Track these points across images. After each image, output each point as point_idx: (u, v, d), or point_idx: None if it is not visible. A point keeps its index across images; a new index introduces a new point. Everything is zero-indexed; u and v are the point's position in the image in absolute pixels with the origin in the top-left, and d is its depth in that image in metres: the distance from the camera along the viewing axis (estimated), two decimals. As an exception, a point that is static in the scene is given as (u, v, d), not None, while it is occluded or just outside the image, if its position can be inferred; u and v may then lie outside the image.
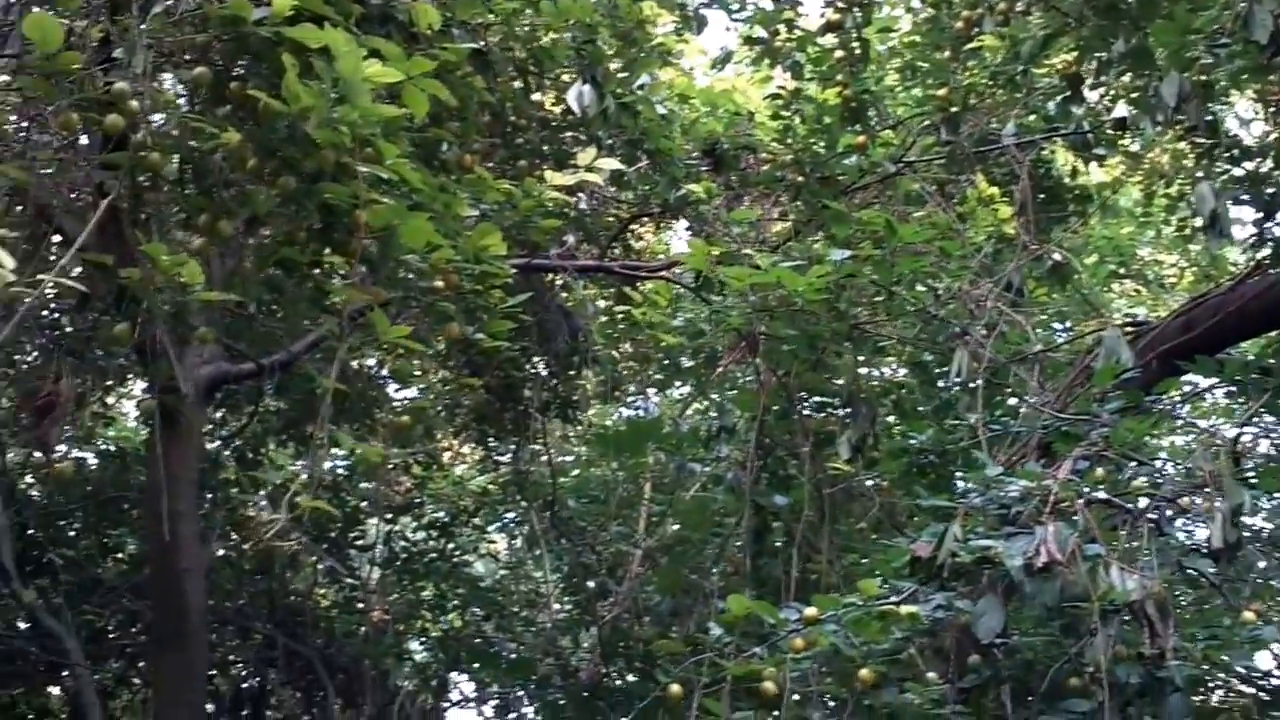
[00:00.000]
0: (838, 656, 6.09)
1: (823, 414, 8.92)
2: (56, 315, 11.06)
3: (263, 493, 11.27)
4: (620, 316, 10.96)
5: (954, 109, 9.13)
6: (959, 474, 8.48)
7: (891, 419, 9.82)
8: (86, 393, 10.00)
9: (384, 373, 11.68)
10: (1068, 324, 10.83)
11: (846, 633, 5.82)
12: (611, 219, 10.06)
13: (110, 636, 12.12)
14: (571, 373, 10.67)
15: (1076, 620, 5.97)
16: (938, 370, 9.50)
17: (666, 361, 12.24)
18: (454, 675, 13.31)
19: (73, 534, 12.06)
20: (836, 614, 5.86)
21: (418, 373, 11.81)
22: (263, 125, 5.17)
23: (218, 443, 11.56)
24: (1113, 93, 9.38)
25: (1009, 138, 9.35)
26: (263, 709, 12.56)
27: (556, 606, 12.92)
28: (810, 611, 5.91)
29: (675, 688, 6.11)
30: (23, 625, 11.82)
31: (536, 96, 8.55)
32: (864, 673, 5.82)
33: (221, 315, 8.13)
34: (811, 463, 8.23)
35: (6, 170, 5.26)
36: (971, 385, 7.76)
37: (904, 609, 5.77)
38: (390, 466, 12.07)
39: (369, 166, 5.04)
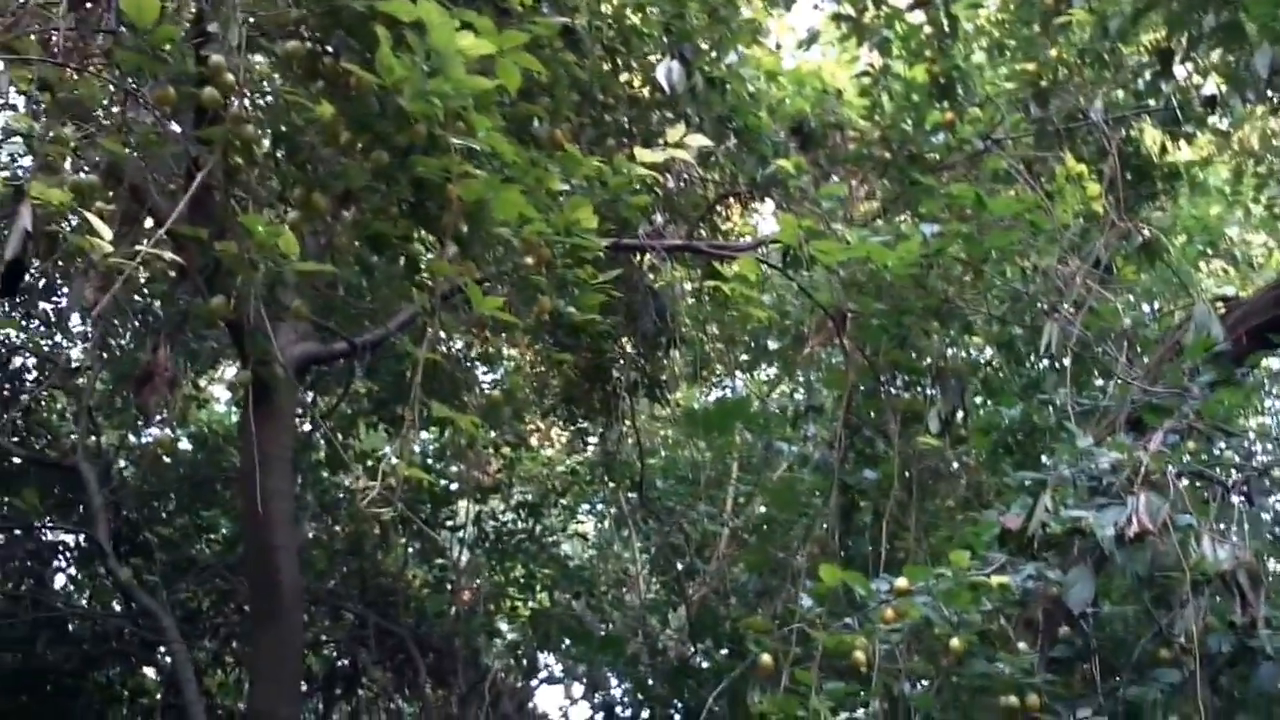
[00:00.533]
0: (928, 627, 6.11)
1: (910, 392, 8.90)
2: (149, 300, 11.28)
3: (354, 473, 11.40)
4: (708, 296, 10.97)
5: (1043, 84, 9.06)
6: (1046, 451, 8.43)
7: (979, 399, 9.79)
8: (179, 375, 10.16)
9: (472, 355, 11.83)
10: (1156, 303, 10.73)
11: (937, 603, 5.84)
12: (699, 198, 10.07)
13: (205, 615, 12.32)
14: (659, 353, 10.69)
15: (1167, 591, 5.95)
16: (1025, 349, 9.45)
17: (754, 343, 12.26)
18: (542, 655, 13.41)
19: (166, 515, 12.27)
20: (927, 585, 5.87)
21: (507, 352, 11.91)
22: (356, 99, 5.25)
23: (308, 426, 11.71)
24: (1203, 69, 9.28)
25: (1097, 115, 9.30)
26: (355, 688, 12.70)
27: (644, 586, 12.97)
28: (901, 583, 5.93)
29: (766, 658, 6.15)
30: (118, 606, 12.08)
31: (624, 76, 8.59)
32: (954, 643, 5.84)
33: (313, 294, 8.23)
34: (899, 440, 8.21)
35: (104, 145, 5.36)
36: (1060, 362, 7.73)
37: (995, 580, 5.78)
38: (480, 448, 12.17)
39: (461, 139, 5.09)
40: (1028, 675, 6.00)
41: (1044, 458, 7.72)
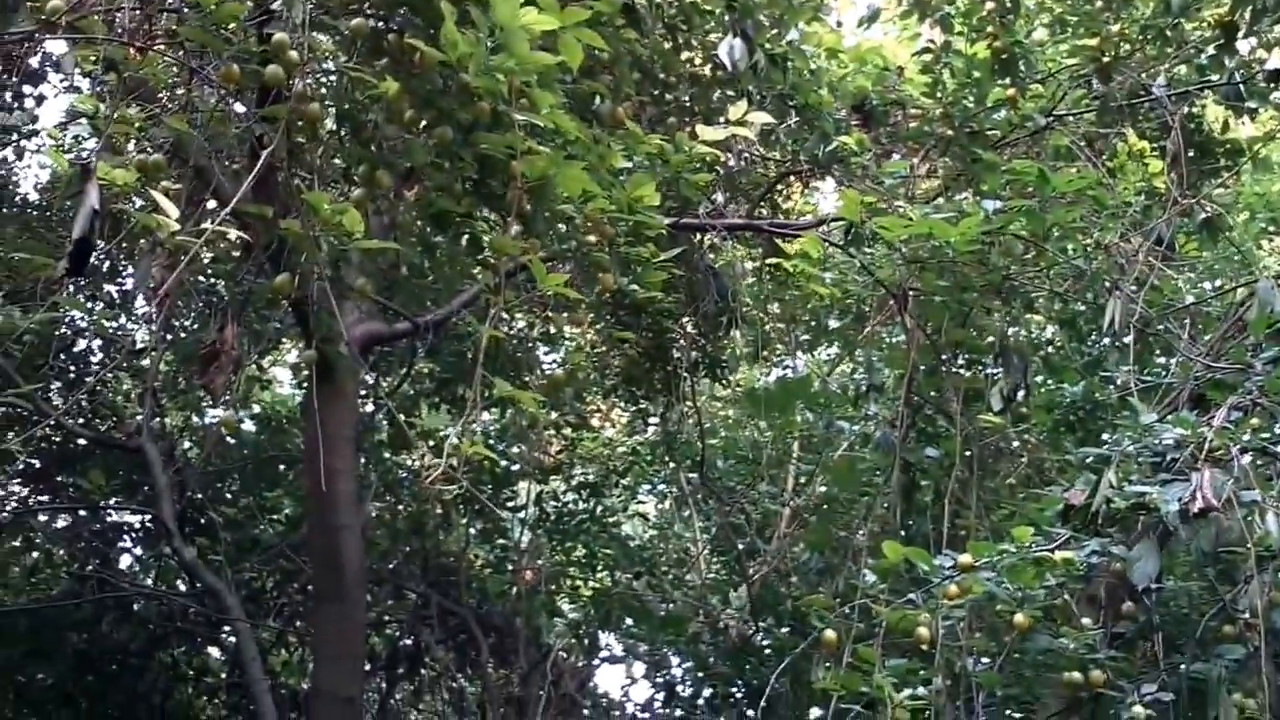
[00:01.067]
0: (991, 604, 6.09)
1: (972, 371, 8.87)
2: (213, 281, 11.39)
3: (418, 452, 11.48)
4: (769, 275, 10.96)
5: (1105, 59, 8.98)
6: (1108, 429, 8.38)
7: (1040, 378, 9.75)
8: (243, 355, 10.26)
9: (534, 335, 11.86)
10: (1218, 280, 10.63)
11: (1001, 579, 5.81)
12: (760, 177, 10.06)
13: (268, 595, 12.44)
14: (720, 333, 10.68)
15: (1231, 567, 5.90)
16: (1087, 327, 9.40)
17: (814, 323, 12.24)
18: (603, 635, 13.45)
19: (230, 495, 12.39)
20: (991, 561, 5.85)
21: (568, 332, 11.93)
22: (420, 76, 5.27)
23: (370, 406, 11.78)
24: (1266, 43, 9.18)
25: (1160, 90, 9.21)
26: (418, 667, 12.80)
27: (705, 566, 12.99)
28: (964, 559, 5.91)
29: (830, 634, 6.14)
30: (183, 586, 12.22)
31: (685, 54, 8.58)
32: (1019, 618, 5.81)
33: (377, 273, 8.27)
34: (961, 418, 8.18)
35: (170, 124, 5.41)
36: (1123, 340, 7.67)
37: (1059, 555, 5.75)
38: (541, 428, 12.22)
39: (525, 116, 5.11)
40: (1092, 651, 5.97)
41: (1105, 435, 7.69)
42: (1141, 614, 6.23)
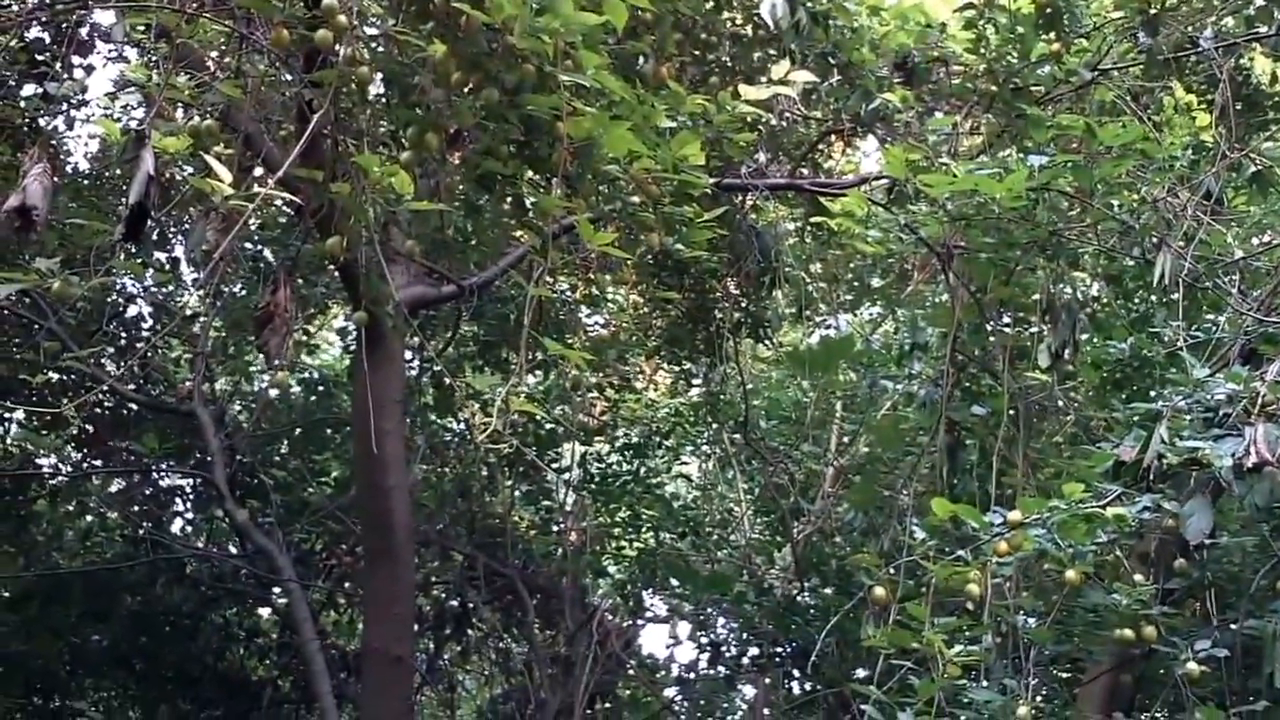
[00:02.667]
0: (1040, 561, 6.10)
1: (1018, 328, 8.85)
2: (260, 247, 11.46)
3: (467, 412, 11.54)
4: (811, 235, 10.95)
5: (1152, 12, 8.90)
6: (1157, 385, 8.36)
7: (1086, 335, 9.70)
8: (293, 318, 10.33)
9: (577, 297, 11.89)
10: (1267, 235, 10.55)
11: (1052, 535, 5.81)
12: (802, 136, 10.03)
13: (318, 557, 12.56)
14: (762, 293, 10.69)
15: (1286, 521, 5.91)
16: (1134, 283, 9.35)
17: (857, 282, 12.22)
18: (648, 597, 13.51)
19: (280, 458, 12.50)
20: (1042, 517, 5.85)
21: (611, 292, 11.96)
22: (466, 38, 5.29)
23: (415, 370, 11.84)
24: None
25: (1207, 43, 9.12)
26: (465, 628, 12.90)
27: (749, 526, 13.03)
28: (1014, 515, 5.91)
29: (879, 590, 6.18)
30: (233, 549, 12.35)
31: (726, 14, 8.55)
32: (1070, 574, 5.81)
33: (425, 236, 8.31)
34: (1007, 375, 8.16)
35: (221, 89, 5.45)
36: (1171, 295, 7.64)
37: (1110, 511, 5.74)
38: (585, 389, 12.26)
39: (570, 76, 5.13)
40: (1144, 608, 5.97)
41: (1154, 392, 7.67)
42: (1194, 570, 6.25)
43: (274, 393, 12.23)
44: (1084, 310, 9.61)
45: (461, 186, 7.38)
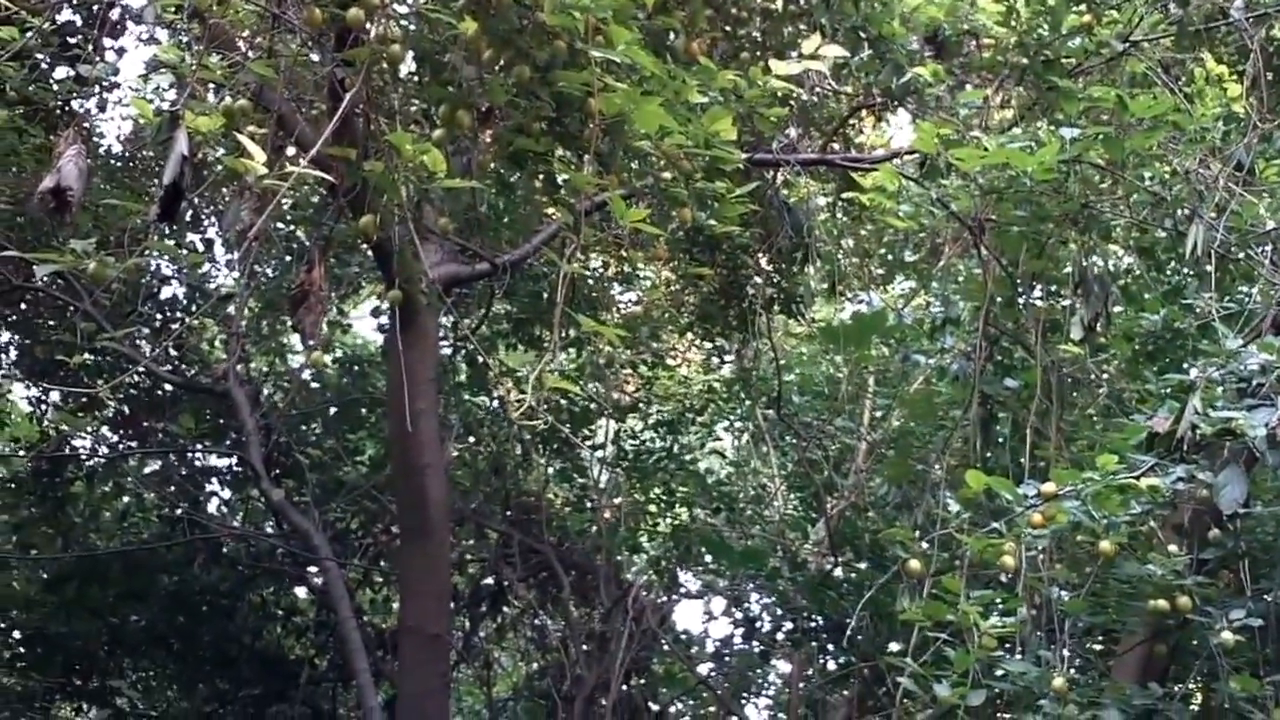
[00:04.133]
0: (1074, 533, 6.10)
1: (1049, 301, 8.83)
2: (293, 228, 11.51)
3: (502, 388, 11.57)
4: (843, 210, 10.93)
5: (1184, -20, 8.84)
6: (1189, 356, 8.33)
7: (1119, 308, 9.67)
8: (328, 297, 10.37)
9: (609, 274, 11.91)
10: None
11: (1086, 506, 5.81)
12: (833, 111, 10.01)
13: (353, 536, 12.63)
14: (794, 268, 10.68)
15: (1321, 492, 5.90)
16: (1165, 256, 9.31)
17: (889, 256, 12.20)
18: (681, 574, 13.55)
19: (315, 438, 12.56)
20: (1076, 488, 5.85)
21: (643, 269, 11.97)
22: (497, 15, 5.30)
23: (448, 349, 11.88)
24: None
25: (1239, 13, 9.06)
26: (501, 605, 12.96)
27: (783, 502, 13.04)
28: (1048, 487, 5.92)
29: (914, 562, 6.19)
30: (269, 529, 12.44)
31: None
32: (1104, 545, 5.82)
33: (458, 213, 8.33)
34: (1040, 348, 8.15)
35: (253, 69, 5.48)
36: (1204, 267, 7.61)
37: (1144, 482, 5.74)
38: (618, 366, 12.29)
39: (601, 51, 5.13)
40: (1179, 578, 5.97)
41: (1186, 364, 7.65)
42: (1228, 540, 6.24)
43: (309, 371, 12.30)
44: (1116, 283, 9.61)
45: (494, 165, 7.41)
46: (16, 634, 12.58)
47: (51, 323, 11.05)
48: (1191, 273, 9.01)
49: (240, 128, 5.20)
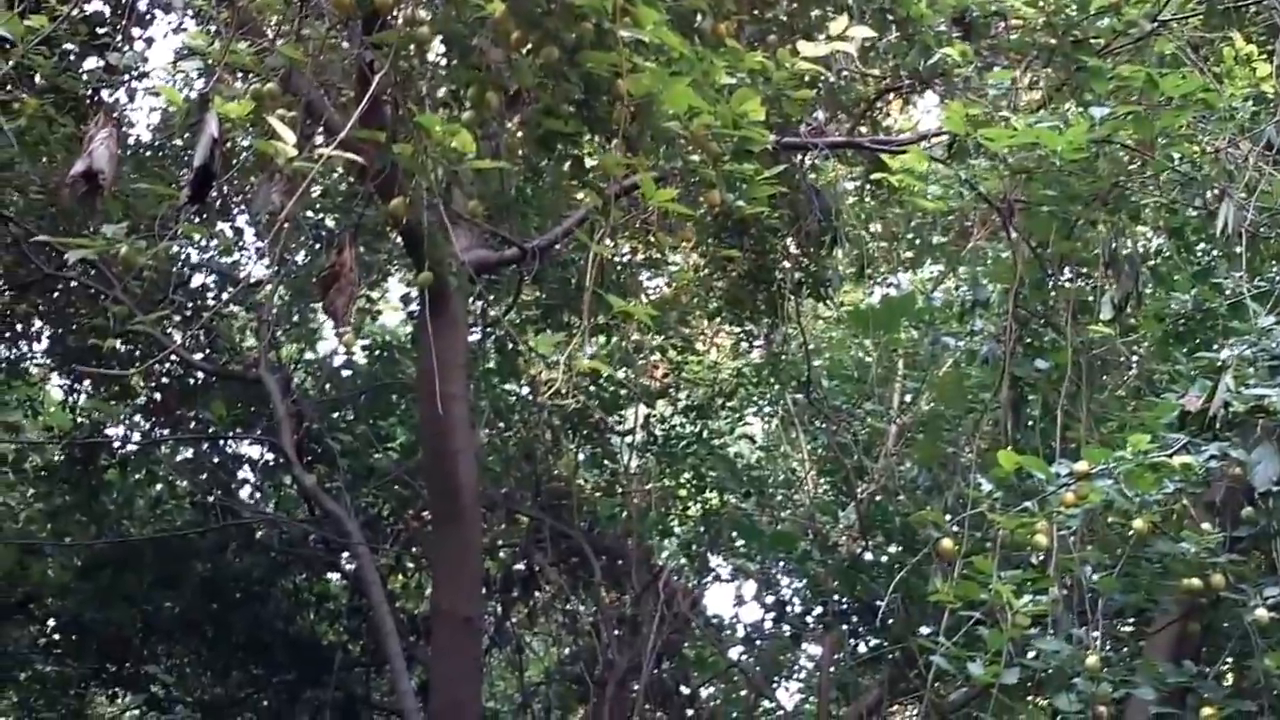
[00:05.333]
0: (1106, 514, 6.09)
1: (1079, 283, 8.80)
2: (322, 216, 11.55)
3: (534, 369, 11.62)
4: (870, 193, 10.92)
5: (1212, -41, 8.79)
6: (1220, 336, 8.30)
7: (1149, 288, 9.64)
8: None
9: (638, 260, 11.91)
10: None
11: (1119, 485, 5.80)
12: (860, 94, 9.99)
13: (385, 522, 12.68)
14: (823, 252, 10.68)
15: (1355, 469, 5.85)
16: (1194, 236, 9.27)
17: (917, 240, 12.18)
18: (712, 559, 13.56)
19: (346, 424, 12.61)
20: (1108, 467, 5.84)
21: (671, 256, 11.96)
22: (525, -4, 5.31)
23: (477, 335, 11.91)
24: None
25: (1269, -12, 9.01)
26: (532, 590, 13.00)
27: (813, 486, 13.04)
28: (1081, 466, 5.91)
29: (947, 542, 6.19)
30: (301, 516, 12.50)
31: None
32: (1138, 523, 5.81)
33: (488, 195, 8.35)
34: (1070, 328, 8.13)
35: (282, 53, 5.50)
36: (1234, 246, 7.58)
37: (1177, 460, 5.73)
38: (647, 352, 12.30)
39: (630, 31, 5.13)
40: (1212, 556, 5.96)
41: (1217, 344, 7.62)
42: (1261, 518, 6.21)
43: (340, 357, 12.35)
44: (1145, 263, 9.57)
45: (522, 150, 7.42)
46: (51, 621, 12.67)
47: (83, 312, 11.12)
48: (1221, 252, 8.96)
49: (269, 111, 5.22)
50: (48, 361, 11.98)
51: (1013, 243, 8.20)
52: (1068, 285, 8.49)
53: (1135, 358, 9.41)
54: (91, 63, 9.17)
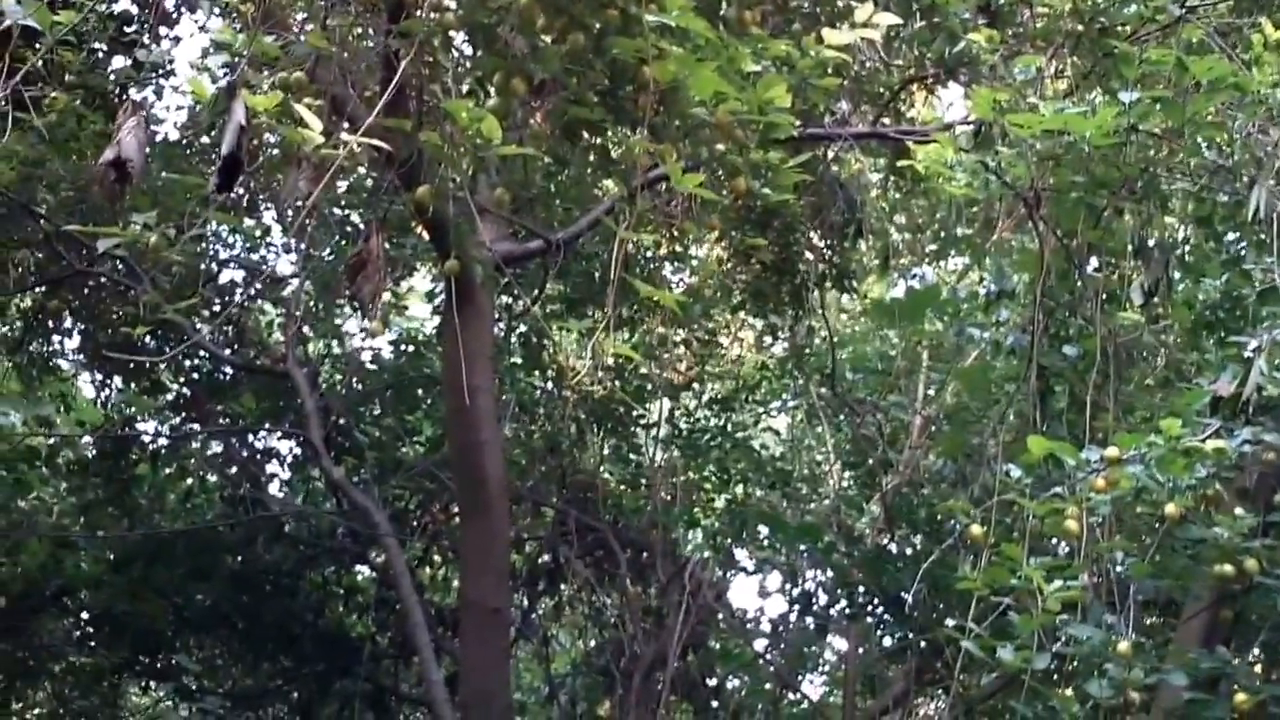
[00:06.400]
0: (1136, 503, 6.07)
1: (1107, 271, 8.77)
2: (348, 212, 11.58)
3: (565, 354, 11.64)
4: (895, 185, 10.89)
5: (1241, -55, 8.75)
6: (1251, 323, 8.26)
7: (1178, 274, 9.60)
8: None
9: (661, 254, 11.91)
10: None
11: (1151, 471, 5.78)
12: (885, 82, 9.96)
13: (412, 515, 12.71)
14: (846, 244, 10.66)
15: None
16: (1223, 225, 9.23)
17: (942, 232, 12.14)
18: (736, 551, 13.55)
19: (373, 418, 12.65)
20: (1140, 453, 5.82)
21: (695, 252, 11.97)
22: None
23: (502, 329, 11.92)
24: None
25: (1298, -25, 8.97)
26: (558, 583, 13.01)
27: (837, 479, 13.03)
28: (1111, 451, 5.89)
29: (976, 528, 6.18)
30: (330, 509, 12.54)
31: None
32: (1170, 508, 5.79)
33: (513, 184, 8.34)
34: (1098, 316, 8.10)
35: (309, 42, 5.52)
36: (1264, 234, 7.54)
37: (1209, 445, 5.71)
38: (671, 345, 12.30)
39: (655, 17, 5.13)
40: (1245, 541, 5.94)
41: (1246, 332, 7.58)
42: (1294, 501, 6.20)
43: (367, 351, 12.40)
44: (1174, 252, 9.53)
45: (547, 140, 7.43)
46: (84, 613, 12.78)
47: (115, 309, 11.17)
48: (1251, 241, 8.92)
49: (296, 99, 5.23)
50: (79, 357, 12.03)
51: (1039, 232, 8.18)
52: (1095, 274, 8.46)
53: (1164, 347, 9.37)
54: (120, 61, 9.21)
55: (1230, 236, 9.45)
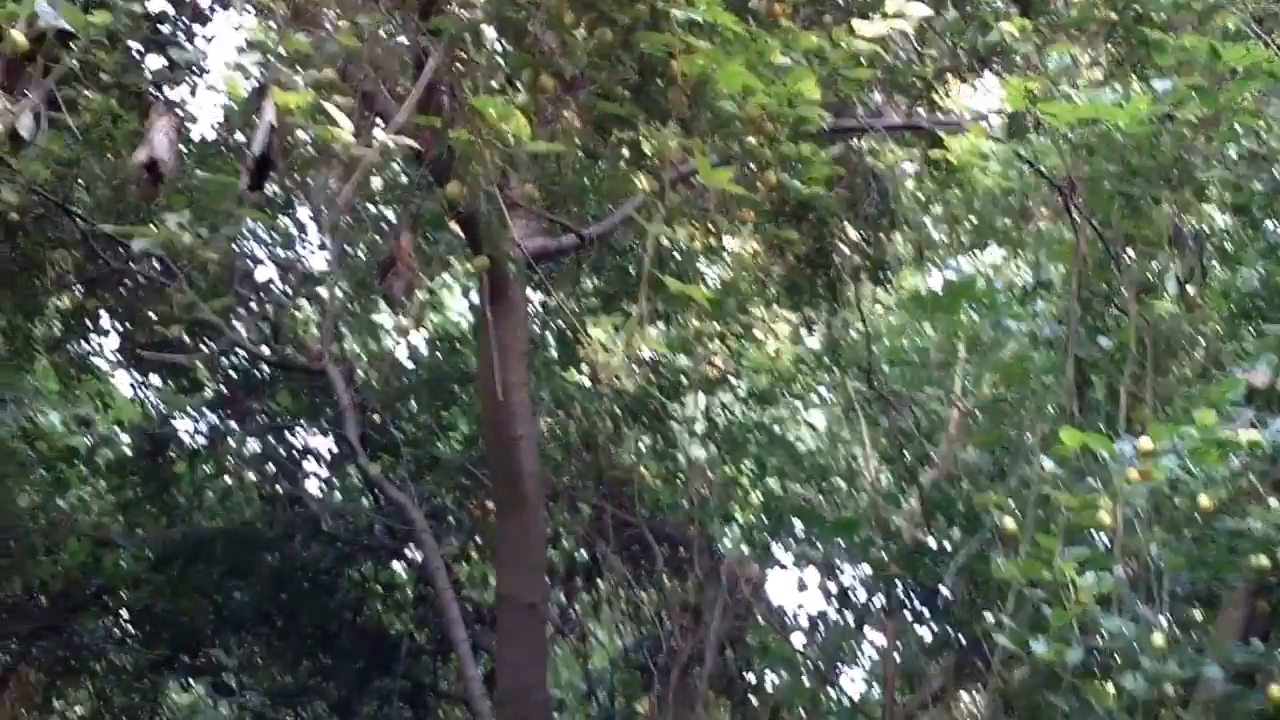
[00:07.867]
0: (1171, 495, 6.03)
1: (1143, 261, 8.72)
2: (381, 210, 11.61)
3: (595, 350, 11.61)
4: (930, 176, 10.84)
5: (1276, -69, 8.67)
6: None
7: (1215, 263, 9.53)
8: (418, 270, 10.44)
9: (694, 247, 11.88)
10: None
11: (1185, 461, 5.74)
12: (918, 72, 9.92)
13: (448, 512, 12.74)
14: (881, 236, 10.62)
15: None
16: (1260, 214, 9.17)
17: (978, 224, 12.09)
18: (774, 546, 13.52)
19: (409, 415, 12.69)
20: (1174, 444, 5.78)
21: (729, 243, 11.94)
22: (579, -22, 5.33)
23: (537, 325, 11.93)
24: None
25: (1335, -38, 8.88)
26: (594, 578, 13.02)
27: (874, 473, 12.99)
28: (1145, 443, 5.85)
29: (1010, 522, 6.16)
30: (366, 506, 12.59)
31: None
32: (1203, 499, 5.75)
33: (544, 179, 8.35)
34: (1134, 306, 8.05)
35: (340, 40, 5.54)
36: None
37: (1244, 436, 5.67)
38: (706, 339, 12.28)
39: (684, 11, 5.13)
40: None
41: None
42: (1331, 495, 6.14)
43: (403, 350, 12.42)
44: (1210, 240, 9.47)
45: (578, 136, 7.44)
46: (125, 612, 12.89)
47: (151, 308, 11.23)
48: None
49: (328, 97, 5.25)
50: (117, 357, 12.12)
51: (1075, 223, 8.14)
52: (1132, 264, 8.41)
53: (1202, 337, 9.31)
54: (154, 61, 9.26)
55: (1268, 224, 9.39)
